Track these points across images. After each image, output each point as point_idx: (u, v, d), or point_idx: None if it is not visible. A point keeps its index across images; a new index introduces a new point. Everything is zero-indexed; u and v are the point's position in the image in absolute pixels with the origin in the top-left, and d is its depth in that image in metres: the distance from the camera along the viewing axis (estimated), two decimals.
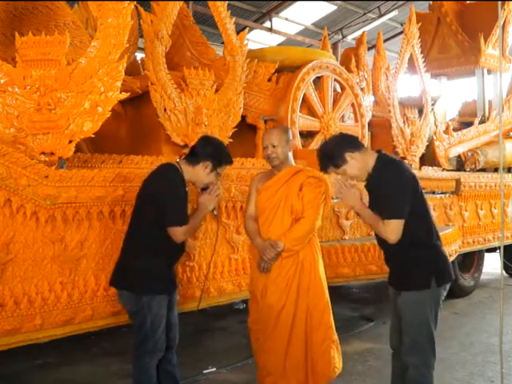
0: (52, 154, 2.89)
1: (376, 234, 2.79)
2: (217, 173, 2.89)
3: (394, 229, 2.58)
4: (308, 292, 2.96)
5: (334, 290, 3.19)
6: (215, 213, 3.03)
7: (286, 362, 2.92)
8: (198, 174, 2.85)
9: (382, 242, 2.75)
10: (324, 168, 2.78)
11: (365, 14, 14.80)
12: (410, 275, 2.67)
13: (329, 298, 3.06)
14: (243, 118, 4.30)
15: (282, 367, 2.92)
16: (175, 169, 2.82)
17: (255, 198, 3.09)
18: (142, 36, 3.90)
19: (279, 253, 2.91)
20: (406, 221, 2.59)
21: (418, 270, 2.66)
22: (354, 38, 13.85)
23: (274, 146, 2.99)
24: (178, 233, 2.74)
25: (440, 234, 2.90)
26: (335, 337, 3.03)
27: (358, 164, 2.68)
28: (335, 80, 5.13)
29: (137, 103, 4.02)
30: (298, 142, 4.72)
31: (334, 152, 2.71)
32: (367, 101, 5.60)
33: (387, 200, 2.59)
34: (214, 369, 3.82)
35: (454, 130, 6.51)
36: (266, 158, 3.08)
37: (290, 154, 3.11)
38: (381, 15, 14.82)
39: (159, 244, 2.76)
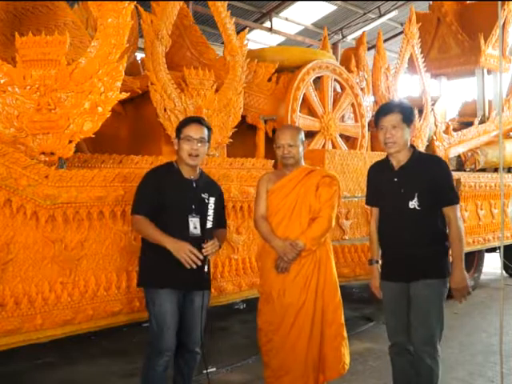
0: (52, 153, 2.90)
1: (408, 226, 2.79)
2: (182, 139, 2.78)
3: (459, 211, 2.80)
4: (324, 289, 2.98)
5: None
6: (206, 269, 2.77)
7: (307, 360, 2.93)
8: (178, 154, 2.83)
9: (416, 231, 2.76)
10: (396, 109, 2.79)
11: (365, 14, 14.80)
12: (439, 263, 2.77)
13: (340, 296, 3.08)
14: (243, 117, 4.30)
15: (303, 365, 2.93)
16: (165, 164, 2.89)
17: (266, 199, 3.06)
18: (141, 36, 3.90)
19: (299, 252, 2.91)
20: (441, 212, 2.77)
21: (444, 259, 2.78)
22: (353, 38, 13.86)
23: (290, 146, 2.97)
24: (132, 220, 2.79)
25: None
26: (345, 334, 3.06)
27: (408, 138, 2.79)
28: (335, 80, 5.13)
29: (137, 103, 4.02)
30: None
31: (413, 112, 2.85)
32: (367, 101, 5.60)
33: (451, 188, 2.77)
34: (214, 369, 3.82)
35: (454, 130, 6.50)
36: (280, 158, 3.04)
37: (302, 154, 3.09)
38: (381, 15, 14.81)
39: None
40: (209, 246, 2.70)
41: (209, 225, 2.77)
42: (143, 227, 2.70)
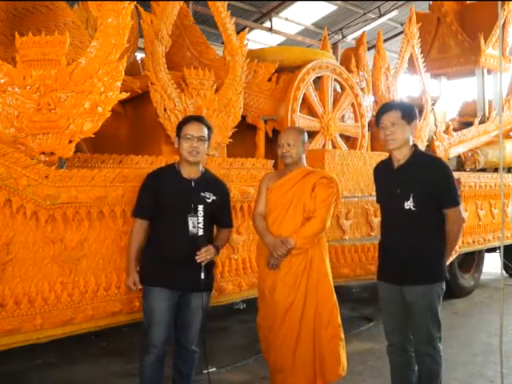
0: (52, 153, 2.90)
1: (403, 227, 2.78)
2: (181, 138, 2.80)
3: (462, 211, 2.78)
4: (317, 290, 2.98)
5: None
6: (202, 275, 2.78)
7: (295, 359, 2.93)
8: (178, 152, 2.87)
9: (411, 233, 2.74)
10: (396, 107, 2.80)
11: (365, 13, 14.80)
12: (435, 268, 2.74)
13: (336, 297, 3.07)
14: (243, 117, 4.30)
15: (291, 364, 2.93)
16: (166, 165, 3.00)
17: (265, 196, 3.11)
18: (142, 36, 3.90)
19: (289, 250, 2.93)
20: (440, 212, 2.73)
21: (439, 263, 2.76)
22: (354, 38, 13.85)
23: (289, 145, 3.03)
24: (132, 223, 2.88)
25: None
26: (343, 335, 3.05)
27: (408, 136, 2.76)
28: (335, 80, 5.13)
29: (137, 103, 4.02)
30: None
31: (414, 111, 2.84)
32: (367, 101, 5.59)
33: (453, 188, 2.75)
34: (214, 369, 3.82)
35: (454, 130, 6.50)
36: (279, 157, 3.12)
37: (303, 156, 3.14)
38: (381, 15, 14.81)
39: (150, 235, 2.84)
40: (202, 254, 2.72)
41: (204, 225, 2.78)
42: (132, 239, 2.82)
